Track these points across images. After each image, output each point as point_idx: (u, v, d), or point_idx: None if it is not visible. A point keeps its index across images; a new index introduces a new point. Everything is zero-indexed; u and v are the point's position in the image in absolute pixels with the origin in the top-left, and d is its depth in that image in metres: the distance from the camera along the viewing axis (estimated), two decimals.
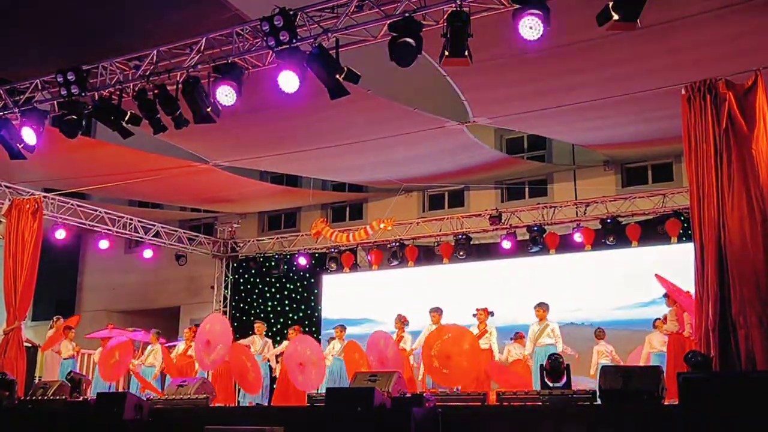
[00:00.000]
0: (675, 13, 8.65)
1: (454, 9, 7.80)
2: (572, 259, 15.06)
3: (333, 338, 13.59)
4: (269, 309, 18.14)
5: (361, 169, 15.36)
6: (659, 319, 12.18)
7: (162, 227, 17.29)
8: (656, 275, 12.87)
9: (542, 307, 12.11)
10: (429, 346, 11.12)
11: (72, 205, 15.29)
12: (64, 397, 9.85)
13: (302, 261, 17.26)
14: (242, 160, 14.29)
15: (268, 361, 13.65)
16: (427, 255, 16.36)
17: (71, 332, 13.65)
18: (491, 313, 12.15)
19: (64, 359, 13.40)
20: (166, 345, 14.28)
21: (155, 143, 12.43)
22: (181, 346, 13.77)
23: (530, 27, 7.65)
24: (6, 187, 13.90)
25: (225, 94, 8.97)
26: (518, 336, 12.59)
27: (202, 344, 12.16)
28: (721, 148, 7.74)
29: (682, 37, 9.29)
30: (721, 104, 7.80)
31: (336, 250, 16.87)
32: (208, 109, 9.17)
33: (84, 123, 9.96)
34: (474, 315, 12.21)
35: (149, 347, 13.93)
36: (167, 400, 9.59)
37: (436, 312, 12.26)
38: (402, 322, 12.83)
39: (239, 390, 13.25)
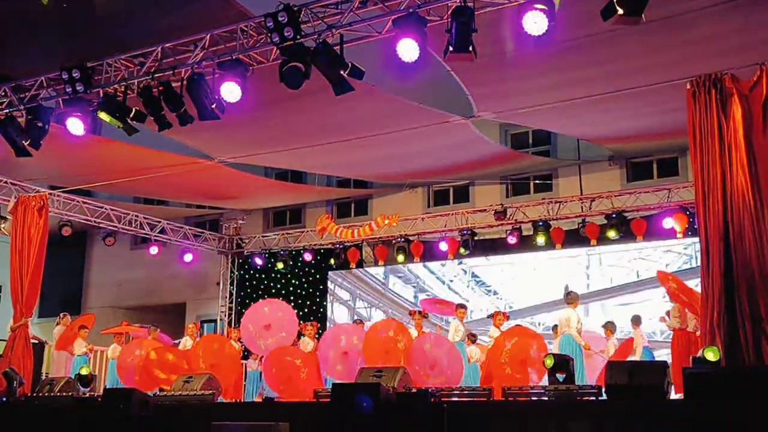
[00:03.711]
0: (680, 7, 8.64)
1: (459, 4, 7.80)
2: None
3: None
4: None
5: (366, 165, 15.36)
6: (638, 315, 12.27)
7: (168, 224, 17.32)
8: (658, 272, 12.88)
9: (576, 297, 12.09)
10: (497, 354, 10.49)
11: (78, 202, 15.34)
12: (70, 393, 9.89)
13: (307, 257, 17.29)
14: (247, 156, 14.30)
15: None
16: (432, 251, 16.37)
17: (85, 331, 13.70)
18: (508, 317, 12.13)
19: (78, 356, 13.45)
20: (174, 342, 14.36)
21: (160, 140, 12.44)
22: (187, 342, 13.78)
23: (535, 22, 7.65)
24: (12, 184, 13.94)
25: (229, 91, 8.98)
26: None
27: (259, 327, 12.19)
28: (727, 142, 7.73)
29: (687, 32, 9.27)
30: (727, 99, 7.78)
31: (341, 246, 16.89)
32: (213, 106, 9.18)
33: (89, 120, 9.99)
34: (490, 317, 12.16)
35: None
36: (173, 396, 9.62)
37: (463, 308, 12.23)
38: (422, 317, 12.57)
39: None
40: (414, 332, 12.16)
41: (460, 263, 16.75)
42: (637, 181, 15.37)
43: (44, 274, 12.50)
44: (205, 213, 19.45)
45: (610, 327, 12.64)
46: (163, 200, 18.92)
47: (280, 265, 17.59)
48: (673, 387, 7.34)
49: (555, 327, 12.59)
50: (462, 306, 12.34)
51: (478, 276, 16.63)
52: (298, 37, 8.38)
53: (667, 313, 11.57)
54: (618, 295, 15.08)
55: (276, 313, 12.71)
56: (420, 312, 12.73)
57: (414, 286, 17.27)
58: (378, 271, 17.62)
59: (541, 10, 7.56)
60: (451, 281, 16.81)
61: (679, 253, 14.74)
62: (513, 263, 16.19)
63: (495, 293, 15.47)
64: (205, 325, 18.52)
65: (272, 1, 8.28)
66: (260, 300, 15.86)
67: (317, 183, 17.35)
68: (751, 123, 7.72)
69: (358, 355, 11.30)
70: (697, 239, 13.92)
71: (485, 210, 15.63)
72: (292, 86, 8.58)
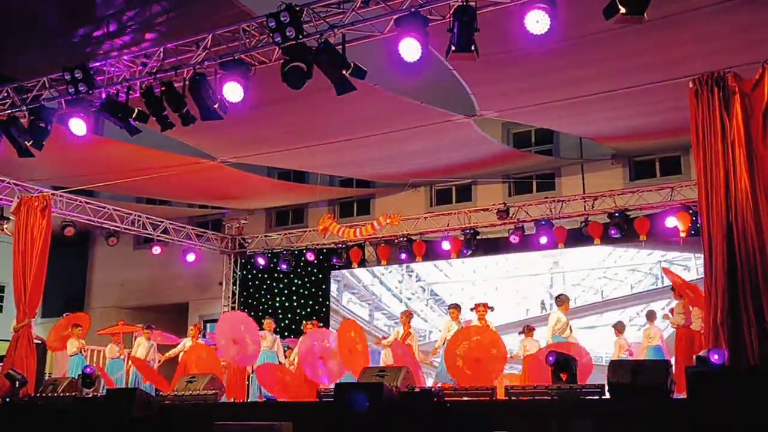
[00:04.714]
0: (682, 5, 8.63)
1: (461, 4, 7.80)
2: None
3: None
4: (277, 304, 18.19)
5: (368, 164, 15.36)
6: (653, 311, 12.25)
7: (170, 224, 17.33)
8: (664, 269, 12.91)
9: (568, 300, 12.05)
10: (455, 344, 10.63)
11: (80, 202, 15.35)
12: (73, 393, 9.90)
13: (310, 256, 17.31)
14: (249, 156, 14.30)
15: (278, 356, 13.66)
16: (434, 250, 16.37)
17: (79, 330, 13.70)
18: (491, 308, 12.05)
19: (70, 356, 13.47)
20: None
21: (163, 140, 12.45)
22: (187, 342, 13.80)
23: (537, 21, 7.65)
24: (15, 184, 13.95)
25: (232, 91, 8.98)
26: (530, 329, 12.50)
27: (227, 346, 12.36)
28: (730, 141, 7.71)
29: (689, 30, 9.25)
30: (729, 97, 7.76)
31: (343, 246, 16.90)
32: (215, 106, 9.18)
33: (91, 120, 10.00)
34: (472, 309, 12.10)
35: (141, 342, 13.92)
36: (176, 396, 9.63)
37: (455, 308, 12.20)
38: (408, 316, 12.71)
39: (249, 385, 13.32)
40: (401, 330, 12.36)
41: (419, 281, 16.72)
42: (640, 180, 15.35)
43: (47, 274, 12.49)
44: (207, 213, 19.46)
45: (618, 327, 12.68)
46: (165, 200, 18.93)
47: (281, 266, 17.58)
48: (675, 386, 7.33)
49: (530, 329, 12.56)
50: (455, 306, 12.31)
51: (437, 294, 16.47)
52: (300, 36, 8.38)
53: (671, 310, 11.58)
54: (582, 316, 14.59)
55: (238, 327, 12.74)
56: (406, 312, 12.82)
57: (369, 304, 17.14)
58: (332, 288, 17.63)
59: (543, 8, 7.56)
60: (409, 299, 16.54)
61: (645, 272, 14.55)
62: (474, 282, 15.98)
63: None
64: (209, 324, 18.51)
65: (274, 0, 8.28)
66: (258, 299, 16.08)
67: (319, 183, 17.33)
68: (753, 122, 7.71)
69: (331, 356, 11.59)
70: (662, 258, 14.15)
71: (488, 209, 15.61)
72: (294, 86, 8.58)
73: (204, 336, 14.97)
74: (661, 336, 11.92)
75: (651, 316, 12.32)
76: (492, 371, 10.31)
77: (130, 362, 13.77)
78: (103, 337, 15.26)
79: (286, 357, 13.65)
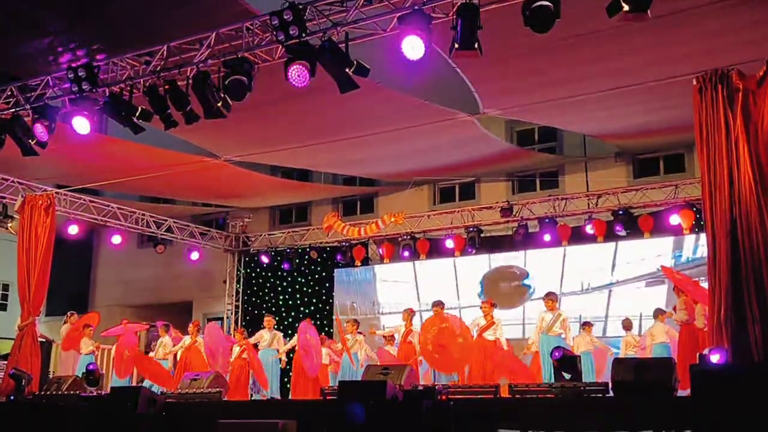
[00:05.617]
0: (686, 2, 8.60)
1: (464, 1, 7.78)
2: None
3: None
4: (281, 303, 18.20)
5: (371, 163, 15.36)
6: (659, 309, 12.24)
7: (174, 222, 17.35)
8: (662, 267, 12.85)
9: (552, 298, 12.11)
10: (428, 330, 11.68)
11: (84, 200, 15.38)
12: (78, 391, 9.92)
13: (313, 255, 17.32)
14: (253, 155, 14.30)
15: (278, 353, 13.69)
16: (438, 248, 16.36)
17: (89, 330, 13.76)
18: (494, 305, 12.14)
19: (84, 355, 13.51)
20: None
21: (166, 139, 12.45)
22: (186, 340, 13.83)
23: (539, 18, 7.61)
24: (19, 183, 13.99)
25: (235, 89, 8.97)
26: None
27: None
28: (734, 138, 7.69)
29: (693, 27, 9.23)
30: (733, 94, 7.74)
31: (347, 244, 16.91)
32: (219, 104, 9.18)
33: (95, 119, 10.01)
34: (480, 307, 12.21)
35: (159, 340, 14.01)
36: (180, 394, 9.64)
37: (439, 306, 12.23)
38: (410, 314, 12.79)
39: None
40: (402, 328, 12.78)
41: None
42: (644, 178, 15.32)
43: (51, 272, 12.54)
44: (211, 211, 19.48)
45: (626, 324, 12.69)
46: (169, 199, 18.96)
47: (284, 265, 17.61)
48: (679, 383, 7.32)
49: None
50: (438, 303, 12.33)
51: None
52: (304, 35, 8.38)
53: (674, 307, 11.56)
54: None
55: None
56: (408, 310, 12.89)
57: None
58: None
59: (545, 6, 7.53)
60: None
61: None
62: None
63: None
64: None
65: None
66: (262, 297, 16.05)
67: (323, 181, 17.33)
68: (757, 119, 7.69)
69: (313, 348, 12.80)
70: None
71: (491, 207, 15.61)
72: (297, 85, 8.59)
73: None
74: (668, 333, 11.89)
75: (658, 314, 12.30)
76: (461, 359, 11.29)
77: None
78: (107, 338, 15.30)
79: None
